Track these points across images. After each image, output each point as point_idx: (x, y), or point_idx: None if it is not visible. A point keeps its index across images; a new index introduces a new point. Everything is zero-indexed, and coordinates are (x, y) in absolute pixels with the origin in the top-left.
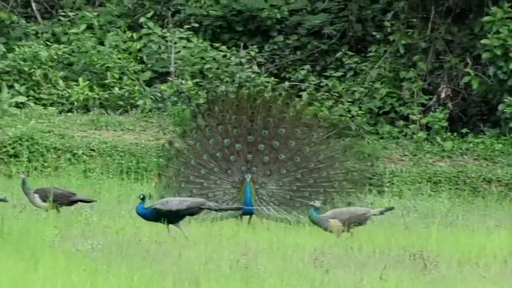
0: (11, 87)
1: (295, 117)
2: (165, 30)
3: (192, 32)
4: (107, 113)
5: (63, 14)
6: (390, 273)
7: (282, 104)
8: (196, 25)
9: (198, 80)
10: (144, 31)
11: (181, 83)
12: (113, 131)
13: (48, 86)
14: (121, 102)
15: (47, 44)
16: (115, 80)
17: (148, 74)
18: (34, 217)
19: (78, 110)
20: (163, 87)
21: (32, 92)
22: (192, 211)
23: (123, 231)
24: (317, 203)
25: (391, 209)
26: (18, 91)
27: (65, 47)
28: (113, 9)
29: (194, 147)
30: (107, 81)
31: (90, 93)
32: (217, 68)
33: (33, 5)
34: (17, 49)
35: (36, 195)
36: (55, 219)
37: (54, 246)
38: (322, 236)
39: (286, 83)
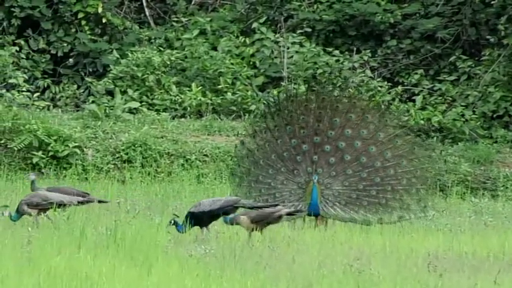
0: (124, 92)
1: (361, 117)
2: (277, 35)
3: (304, 37)
4: (219, 118)
5: (176, 19)
6: (504, 278)
7: (348, 104)
8: (309, 30)
9: (311, 84)
10: (256, 36)
11: (294, 88)
12: (226, 136)
13: (161, 91)
14: (234, 108)
15: (160, 50)
16: (228, 85)
17: (261, 79)
18: (147, 222)
19: (191, 116)
20: (276, 92)
21: (145, 98)
22: (225, 210)
23: (236, 236)
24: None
25: (300, 211)
26: (131, 97)
27: (177, 53)
28: (226, 14)
29: (263, 147)
30: (219, 86)
31: (203, 99)
32: (330, 73)
33: (147, 10)
34: (130, 55)
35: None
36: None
37: (167, 252)
38: (436, 241)
39: (400, 87)
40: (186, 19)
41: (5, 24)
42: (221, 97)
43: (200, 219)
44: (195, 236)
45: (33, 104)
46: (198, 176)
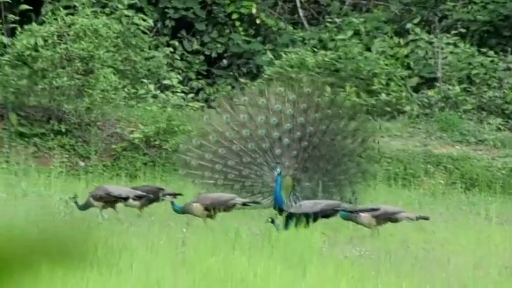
0: None
1: (336, 112)
2: (432, 36)
3: (459, 37)
4: (374, 119)
5: (330, 20)
6: None
7: (328, 100)
8: (464, 30)
9: (465, 85)
10: (411, 37)
11: (449, 89)
12: (380, 137)
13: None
14: (388, 108)
15: (314, 51)
16: (382, 86)
17: (415, 80)
18: (303, 224)
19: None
20: (430, 93)
21: None
22: (326, 213)
23: (391, 238)
24: (169, 197)
25: (257, 202)
26: None
27: (331, 54)
28: (380, 15)
29: (239, 133)
30: (373, 87)
31: (357, 100)
32: (485, 74)
33: (300, 11)
34: (283, 56)
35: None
36: (323, 225)
37: (322, 253)
38: None
39: None
40: (340, 20)
41: (159, 25)
42: (375, 98)
43: (300, 220)
44: (349, 237)
45: (187, 105)
46: None
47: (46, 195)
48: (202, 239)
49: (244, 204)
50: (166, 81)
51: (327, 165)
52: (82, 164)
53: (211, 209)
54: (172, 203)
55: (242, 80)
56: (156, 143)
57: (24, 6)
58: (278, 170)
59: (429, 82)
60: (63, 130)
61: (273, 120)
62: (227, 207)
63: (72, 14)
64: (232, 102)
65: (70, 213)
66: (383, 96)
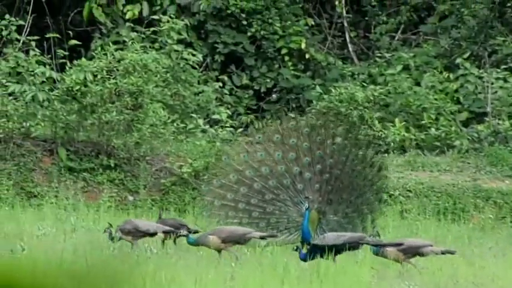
0: None
1: (354, 142)
2: (481, 71)
3: (508, 72)
4: (423, 153)
5: (379, 55)
6: None
7: (344, 131)
8: None
9: None
10: (460, 72)
11: (498, 123)
12: (429, 171)
13: (365, 127)
14: (437, 143)
15: (363, 85)
16: (431, 121)
17: (465, 115)
18: (350, 258)
19: (395, 151)
20: (480, 127)
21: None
22: (350, 246)
23: (440, 272)
24: (183, 232)
25: (274, 236)
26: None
27: (381, 88)
28: (429, 49)
29: (258, 170)
30: (423, 121)
31: (406, 134)
32: None
33: (350, 46)
34: (333, 90)
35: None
36: (372, 260)
37: None
38: None
39: None
40: (390, 55)
41: (208, 60)
42: (425, 132)
43: (323, 252)
44: (398, 272)
45: (236, 140)
46: (401, 212)
47: (95, 229)
48: (251, 273)
49: (261, 237)
50: (215, 116)
51: (350, 196)
52: (131, 198)
53: (228, 242)
54: (187, 236)
55: (291, 114)
56: (205, 177)
57: (74, 42)
58: (306, 204)
59: (479, 117)
60: (112, 165)
61: (291, 155)
62: (244, 240)
63: (122, 49)
64: (248, 140)
65: (119, 247)
66: (432, 131)
